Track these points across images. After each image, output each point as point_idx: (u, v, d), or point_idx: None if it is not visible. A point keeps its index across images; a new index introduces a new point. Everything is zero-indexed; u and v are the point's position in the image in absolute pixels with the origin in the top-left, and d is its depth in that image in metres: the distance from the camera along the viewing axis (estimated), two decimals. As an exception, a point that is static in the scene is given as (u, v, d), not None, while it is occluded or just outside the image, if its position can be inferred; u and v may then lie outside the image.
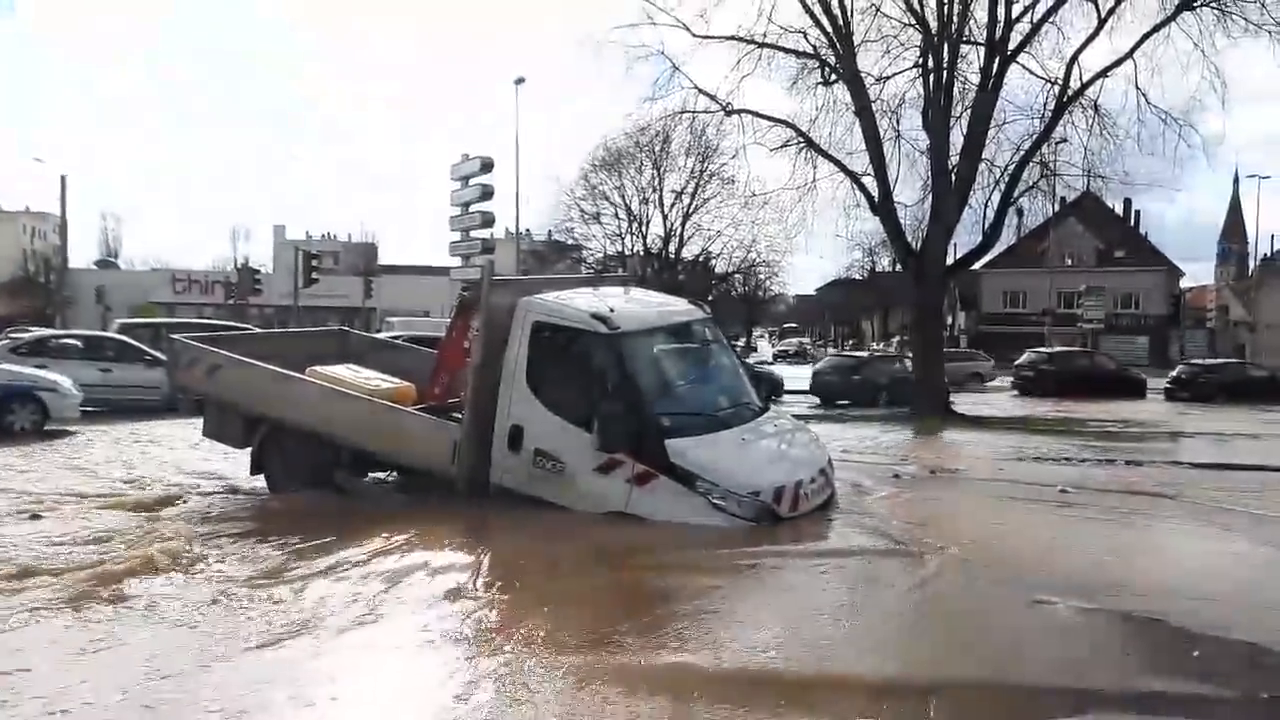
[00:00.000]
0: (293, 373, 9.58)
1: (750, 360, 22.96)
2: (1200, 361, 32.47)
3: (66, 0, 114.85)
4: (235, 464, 10.64)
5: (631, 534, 7.49)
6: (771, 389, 24.41)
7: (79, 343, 19.32)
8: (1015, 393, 30.33)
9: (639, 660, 4.92)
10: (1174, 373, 30.02)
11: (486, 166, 15.12)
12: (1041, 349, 34.76)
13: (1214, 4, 19.28)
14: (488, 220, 15.10)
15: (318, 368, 9.77)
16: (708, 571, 6.55)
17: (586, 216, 47.67)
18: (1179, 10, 19.43)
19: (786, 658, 4.91)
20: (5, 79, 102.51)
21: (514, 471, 8.27)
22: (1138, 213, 60.91)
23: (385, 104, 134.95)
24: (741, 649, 5.05)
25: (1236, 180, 74.26)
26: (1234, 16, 19.19)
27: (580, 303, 8.65)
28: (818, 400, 26.94)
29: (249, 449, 9.97)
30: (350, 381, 9.57)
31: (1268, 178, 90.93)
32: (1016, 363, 32.81)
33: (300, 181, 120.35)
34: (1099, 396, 26.88)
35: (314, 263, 32.20)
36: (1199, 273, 79.70)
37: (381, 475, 9.98)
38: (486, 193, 15.00)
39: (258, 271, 42.70)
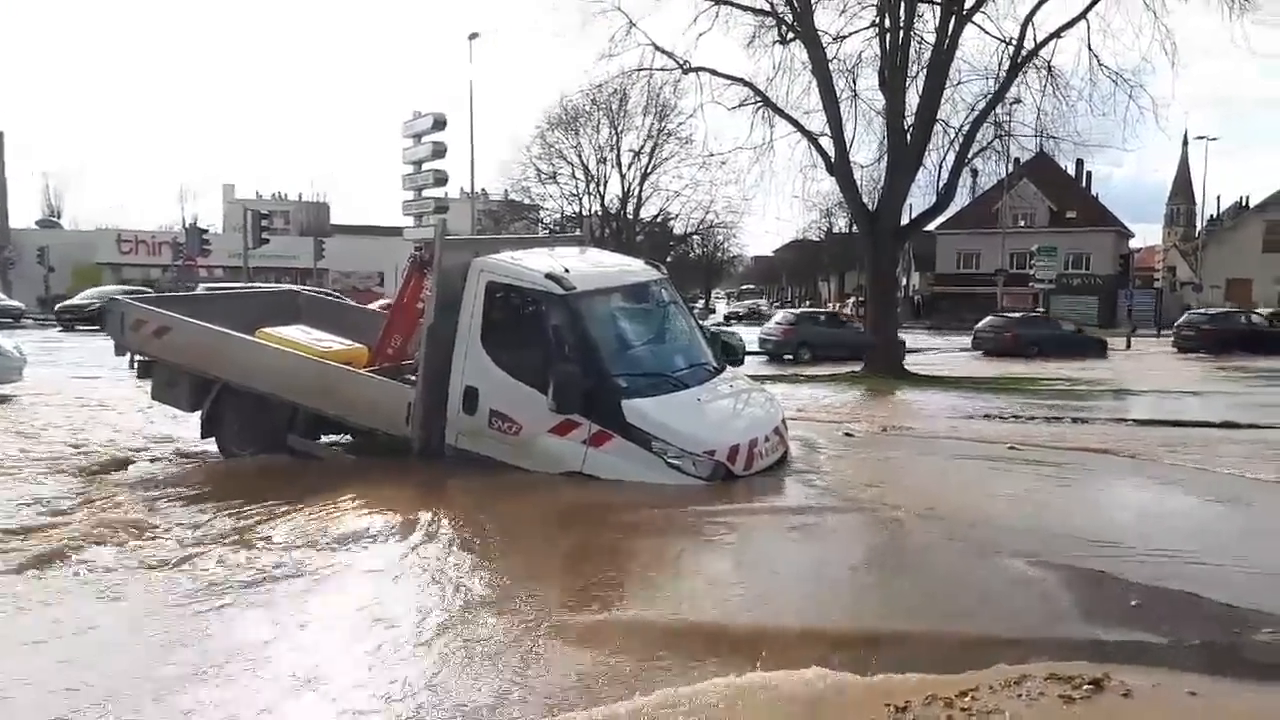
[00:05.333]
0: (243, 334, 9.44)
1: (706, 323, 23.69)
2: None
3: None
4: (185, 427, 10.49)
5: (588, 494, 7.52)
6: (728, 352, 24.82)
7: None
8: (1175, 350, 32.08)
9: (597, 616, 4.98)
10: None
11: (439, 123, 14.78)
12: (1201, 310, 37.11)
13: (1165, -36, 19.49)
14: (440, 179, 14.80)
15: (268, 329, 9.64)
16: (664, 529, 6.62)
17: (543, 176, 47.31)
18: (1131, -29, 19.61)
19: (741, 611, 4.99)
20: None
21: (469, 433, 8.25)
22: (1089, 174, 61.76)
23: (340, 67, 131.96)
24: (699, 603, 5.13)
25: (1185, 142, 75.23)
26: (1184, -23, 19.43)
27: (535, 263, 8.59)
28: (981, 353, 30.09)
29: (199, 412, 9.83)
30: (302, 343, 9.45)
31: (1216, 139, 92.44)
32: (1177, 323, 34.76)
33: (254, 146, 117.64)
34: (1251, 352, 28.81)
35: (264, 222, 31.51)
36: (1147, 233, 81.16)
37: (335, 438, 9.89)
38: (439, 150, 14.68)
39: (206, 231, 41.78)
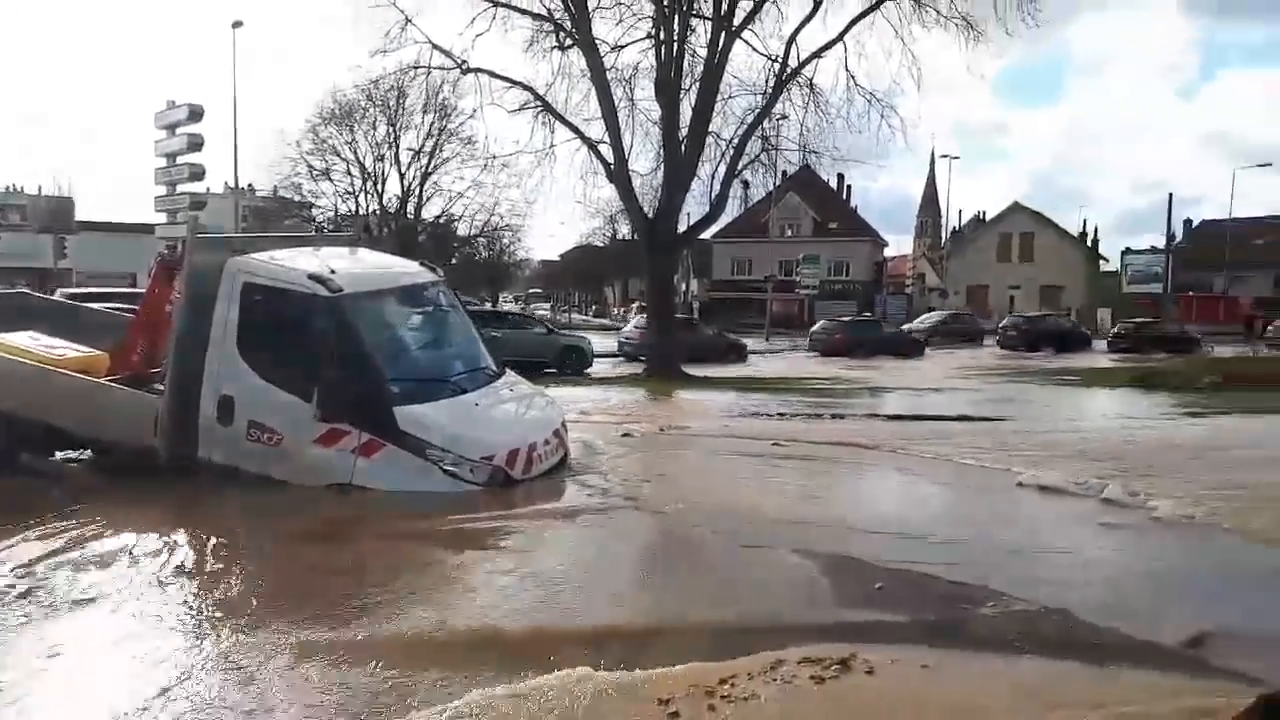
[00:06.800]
0: None
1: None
2: (1136, 320, 39.67)
3: None
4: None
5: (358, 506, 7.28)
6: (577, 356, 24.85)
7: None
8: (999, 348, 36.49)
9: (363, 634, 4.78)
10: (1115, 329, 38.22)
11: (195, 114, 13.88)
12: (1021, 313, 43.84)
13: (912, -6, 21.18)
14: (196, 173, 13.90)
15: None
16: (438, 539, 6.49)
17: (315, 173, 45.11)
18: (882, -1, 21.21)
19: (514, 617, 4.95)
20: None
21: (225, 445, 7.73)
22: (849, 187, 66.37)
23: (90, 51, 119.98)
24: (470, 612, 5.06)
25: (932, 160, 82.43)
26: (927, 8, 21.21)
27: (298, 263, 8.19)
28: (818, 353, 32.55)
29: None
30: (30, 350, 8.53)
31: (957, 158, 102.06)
32: (1001, 323, 40.05)
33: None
34: (1060, 350, 34.13)
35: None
36: (900, 243, 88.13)
37: (75, 453, 9.00)
38: (195, 143, 13.79)
39: (-81, 226, 36.90)
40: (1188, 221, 65.59)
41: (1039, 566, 5.97)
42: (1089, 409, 16.21)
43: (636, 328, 30.00)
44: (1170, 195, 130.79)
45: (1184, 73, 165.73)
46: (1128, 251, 61.24)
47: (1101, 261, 64.56)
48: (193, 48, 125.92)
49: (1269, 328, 37.86)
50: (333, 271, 7.90)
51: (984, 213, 73.19)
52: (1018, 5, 20.92)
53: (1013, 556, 6.15)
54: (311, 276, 7.77)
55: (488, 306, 46.36)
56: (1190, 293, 52.74)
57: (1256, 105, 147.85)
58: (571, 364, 23.69)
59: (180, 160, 14.05)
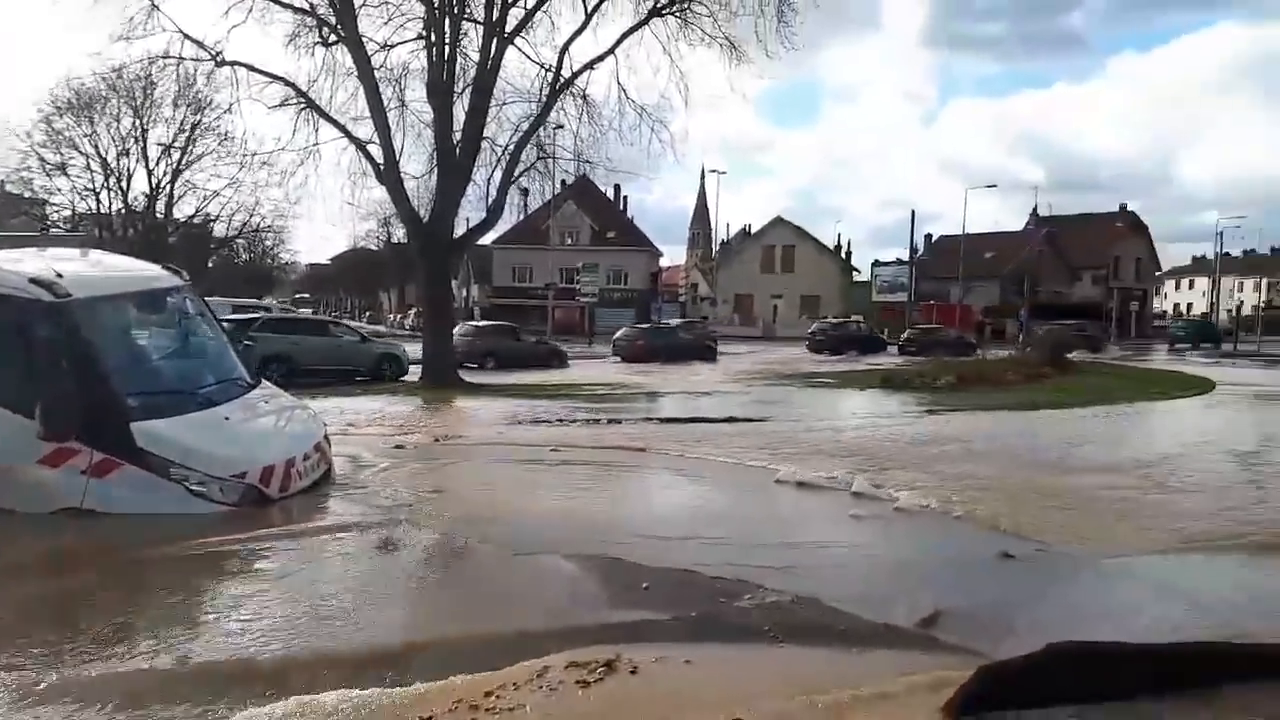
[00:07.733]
0: None
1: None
2: (921, 326, 46.50)
3: None
4: None
5: (90, 533, 6.60)
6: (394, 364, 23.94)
7: None
8: (811, 352, 40.21)
9: (92, 672, 4.33)
10: (906, 334, 43.90)
11: (-110, 95, 12.16)
12: (827, 319, 49.56)
13: (677, 13, 21.96)
14: (-106, 162, 12.19)
15: None
16: (182, 565, 6.01)
17: (49, 167, 40.86)
18: (650, 15, 21.85)
19: (268, 644, 4.64)
20: None
21: None
22: (625, 199, 68.10)
23: None
24: (218, 642, 4.70)
25: (703, 175, 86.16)
26: (693, 26, 22.07)
27: (20, 265, 7.38)
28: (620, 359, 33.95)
29: None
30: None
31: (725, 173, 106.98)
32: (810, 330, 45.08)
33: None
34: (861, 352, 39.73)
35: None
36: (674, 253, 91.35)
37: None
38: (-110, 128, 12.07)
39: None
40: (928, 236, 72.19)
41: (794, 558, 6.32)
42: (843, 409, 17.38)
43: (464, 336, 29.62)
44: (913, 212, 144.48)
45: (924, 101, 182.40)
46: (877, 263, 66.61)
47: (854, 272, 69.76)
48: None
49: (1023, 335, 43.27)
50: (60, 275, 7.14)
51: (750, 226, 77.31)
52: (776, 29, 22.18)
53: (770, 550, 6.47)
54: (34, 280, 6.98)
55: (304, 312, 43.86)
56: (931, 301, 57.96)
57: (985, 130, 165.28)
58: (389, 372, 23.09)
59: None
